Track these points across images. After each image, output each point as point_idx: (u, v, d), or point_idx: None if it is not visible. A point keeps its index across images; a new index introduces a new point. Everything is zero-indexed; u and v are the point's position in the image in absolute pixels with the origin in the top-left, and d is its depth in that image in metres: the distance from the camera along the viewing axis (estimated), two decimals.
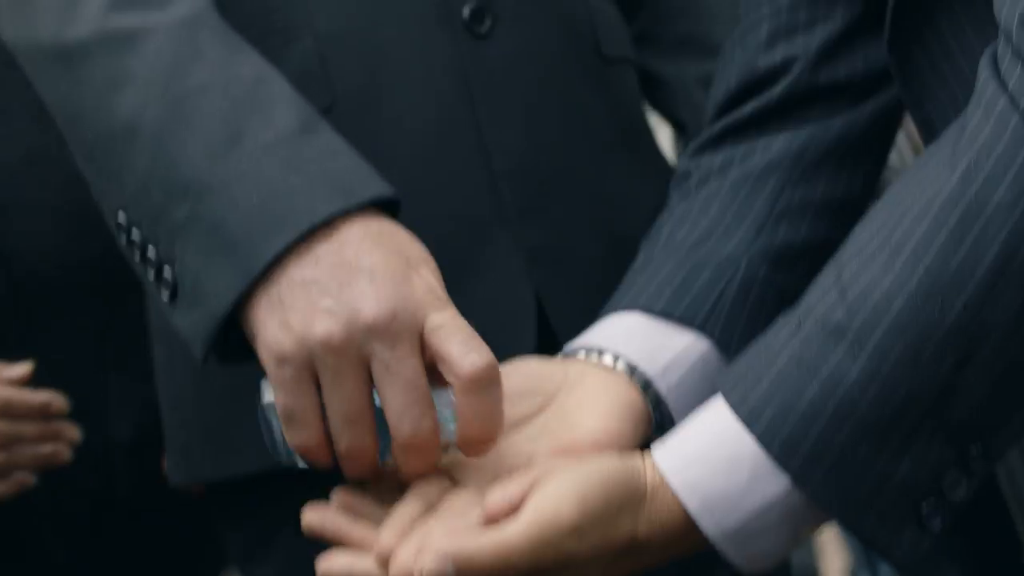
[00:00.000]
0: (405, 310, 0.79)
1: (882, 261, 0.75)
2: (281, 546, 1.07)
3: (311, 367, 0.80)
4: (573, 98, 1.09)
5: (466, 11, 1.05)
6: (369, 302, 0.79)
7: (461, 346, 0.79)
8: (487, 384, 0.79)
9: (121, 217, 0.88)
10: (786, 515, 0.77)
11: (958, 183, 0.74)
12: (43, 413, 1.22)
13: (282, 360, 0.80)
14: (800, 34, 0.98)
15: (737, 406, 0.77)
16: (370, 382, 0.80)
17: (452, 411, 0.81)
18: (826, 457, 0.75)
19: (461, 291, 1.00)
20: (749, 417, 0.76)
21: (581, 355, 0.91)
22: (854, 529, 0.76)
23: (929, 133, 0.88)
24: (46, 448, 1.22)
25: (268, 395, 0.83)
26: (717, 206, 0.96)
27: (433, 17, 1.05)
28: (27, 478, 1.22)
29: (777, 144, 0.97)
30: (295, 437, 0.81)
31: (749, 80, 1.00)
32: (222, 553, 1.34)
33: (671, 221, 0.98)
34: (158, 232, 0.86)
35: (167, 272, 0.86)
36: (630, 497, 0.77)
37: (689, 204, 0.98)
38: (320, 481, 0.97)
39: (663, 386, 0.90)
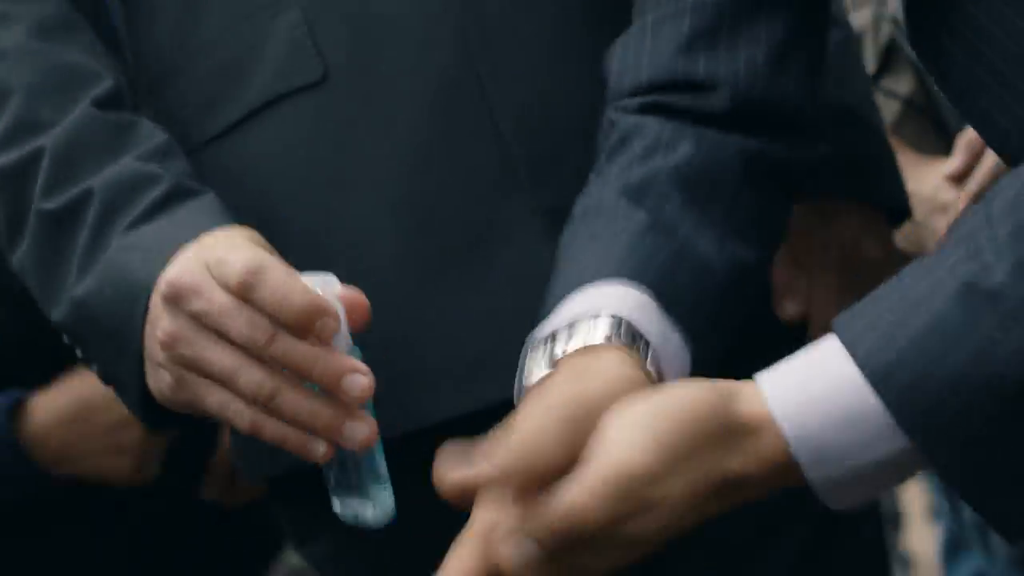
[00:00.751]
0: (191, 258, 0.86)
1: None
2: (332, 526, 1.03)
3: (194, 375, 0.86)
4: (588, 40, 1.01)
5: None
6: (166, 278, 0.86)
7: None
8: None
9: (55, 323, 0.96)
10: (898, 470, 0.72)
11: None
12: None
13: (178, 389, 0.87)
14: (723, 44, 0.89)
15: (864, 362, 0.70)
16: (220, 339, 0.84)
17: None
18: (961, 433, 0.69)
19: (483, 262, 0.99)
20: (878, 380, 0.70)
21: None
22: (977, 507, 0.71)
23: (982, 122, 0.81)
24: None
25: (337, 506, 0.90)
26: (678, 199, 0.87)
27: None
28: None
29: (730, 147, 0.89)
30: (249, 427, 0.85)
31: (666, 81, 0.90)
32: (280, 535, 1.35)
33: (626, 200, 0.87)
34: (73, 341, 0.95)
35: (96, 369, 0.96)
36: (721, 431, 0.71)
37: (641, 182, 0.88)
38: None
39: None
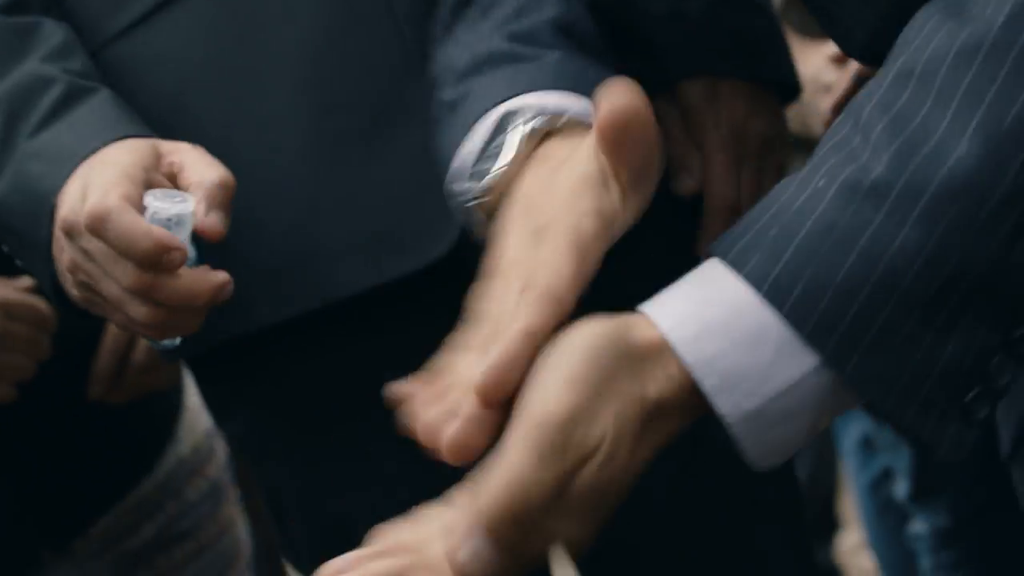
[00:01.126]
0: (75, 193, 0.89)
1: (923, 115, 0.66)
2: (249, 405, 1.10)
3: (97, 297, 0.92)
4: None
5: None
6: (60, 213, 0.90)
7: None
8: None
9: None
10: (812, 397, 0.68)
11: (1002, 29, 0.65)
12: (37, 320, 1.23)
13: (89, 303, 0.92)
14: None
15: (757, 281, 0.67)
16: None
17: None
18: (865, 336, 0.65)
19: (386, 141, 1.01)
20: (773, 294, 0.66)
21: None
22: (893, 419, 0.68)
23: (826, 18, 0.81)
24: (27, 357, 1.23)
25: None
26: (563, 45, 0.88)
27: None
28: (10, 392, 1.23)
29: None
30: (160, 336, 0.93)
31: None
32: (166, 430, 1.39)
33: (518, 44, 0.88)
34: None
35: (20, 264, 1.01)
36: (626, 360, 0.68)
37: (527, 31, 0.88)
38: (276, 348, 1.03)
39: None
